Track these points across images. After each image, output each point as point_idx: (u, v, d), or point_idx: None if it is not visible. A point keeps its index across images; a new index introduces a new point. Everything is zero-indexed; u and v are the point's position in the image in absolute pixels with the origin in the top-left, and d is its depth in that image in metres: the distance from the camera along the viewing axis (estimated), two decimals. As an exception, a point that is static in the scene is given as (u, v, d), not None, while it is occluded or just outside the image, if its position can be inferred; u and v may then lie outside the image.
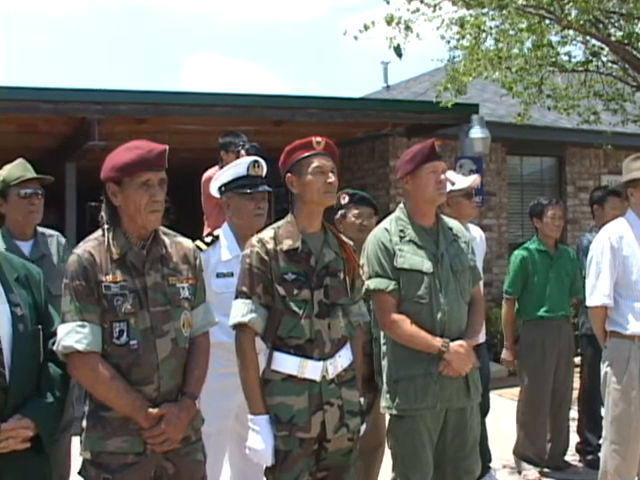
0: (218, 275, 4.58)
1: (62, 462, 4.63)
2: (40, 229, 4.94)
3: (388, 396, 4.35)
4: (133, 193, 3.38)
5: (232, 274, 4.49)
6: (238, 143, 7.25)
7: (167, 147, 3.45)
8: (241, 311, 3.75)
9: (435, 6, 9.31)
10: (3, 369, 3.13)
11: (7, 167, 4.84)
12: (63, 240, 5.00)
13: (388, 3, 9.54)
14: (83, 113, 9.68)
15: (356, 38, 9.54)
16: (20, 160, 4.89)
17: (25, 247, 4.74)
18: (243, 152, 7.18)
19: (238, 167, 4.75)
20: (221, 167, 7.00)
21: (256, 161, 4.75)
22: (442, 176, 4.36)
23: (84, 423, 3.44)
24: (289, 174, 3.86)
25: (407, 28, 9.31)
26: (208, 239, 4.71)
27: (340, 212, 5.33)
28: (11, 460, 3.10)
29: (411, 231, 4.33)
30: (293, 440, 3.70)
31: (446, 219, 4.53)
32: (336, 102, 11.08)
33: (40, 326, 3.32)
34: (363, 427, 3.97)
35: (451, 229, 4.46)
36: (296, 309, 3.73)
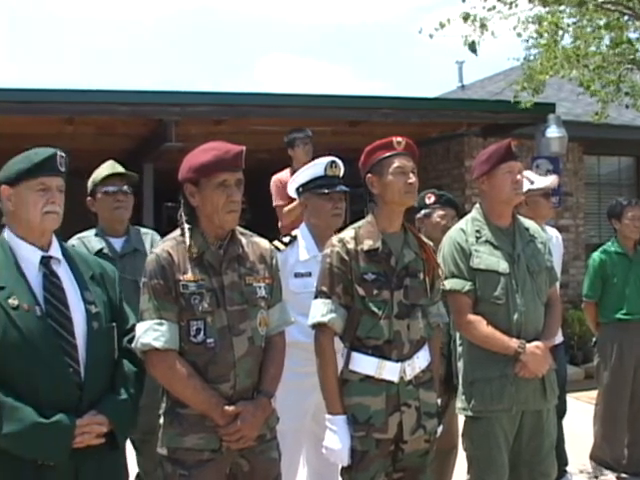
0: (296, 275, 4.60)
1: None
2: (135, 227, 5.07)
3: (464, 397, 4.32)
4: (210, 194, 3.41)
5: (310, 274, 4.51)
6: (305, 137, 7.34)
7: (244, 148, 3.47)
8: (320, 311, 3.77)
9: (511, 4, 9.23)
10: (78, 366, 3.19)
11: (99, 167, 4.98)
12: (157, 237, 5.08)
13: (464, 1, 9.50)
14: (160, 115, 9.79)
15: (431, 36, 9.51)
16: (110, 161, 5.03)
17: (117, 243, 4.85)
18: (299, 142, 7.28)
19: (316, 167, 4.76)
20: (292, 170, 7.07)
21: (333, 161, 4.76)
22: (518, 176, 4.32)
23: (161, 420, 3.49)
24: (369, 174, 3.87)
25: (482, 26, 9.26)
26: (286, 239, 4.73)
27: (424, 211, 5.35)
28: (87, 455, 3.16)
29: (487, 231, 4.31)
30: (370, 440, 3.70)
31: (522, 219, 4.49)
32: (411, 102, 11.04)
33: (114, 324, 3.37)
34: (440, 429, 3.96)
35: (527, 229, 4.42)
36: (375, 309, 3.73)
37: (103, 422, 3.18)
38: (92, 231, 4.90)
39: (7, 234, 3.30)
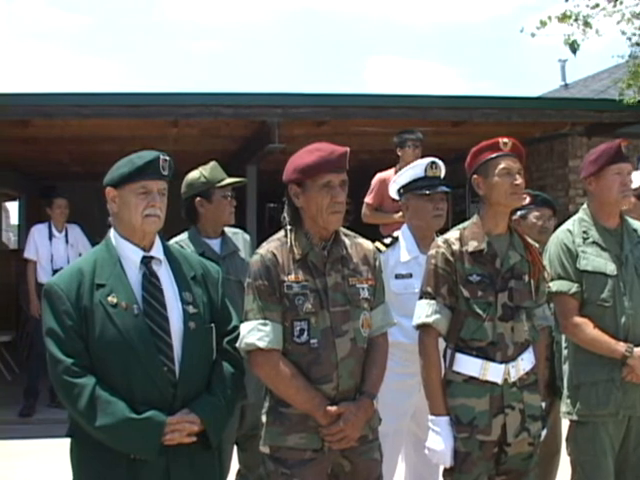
0: (397, 276, 4.59)
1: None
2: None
3: (569, 401, 4.26)
4: (315, 194, 3.43)
5: (411, 275, 4.51)
6: (416, 139, 7.31)
7: (348, 149, 3.48)
8: (425, 311, 3.76)
9: (616, 0, 9.08)
10: (173, 365, 3.24)
11: (206, 168, 4.90)
12: (247, 236, 5.11)
13: (567, 0, 9.38)
14: (263, 117, 9.87)
15: (533, 35, 9.45)
16: (214, 163, 4.98)
17: (215, 245, 4.83)
18: (410, 144, 7.25)
19: (416, 168, 4.75)
20: (397, 170, 7.07)
21: (434, 162, 4.74)
22: (628, 178, 4.24)
23: (264, 418, 3.52)
24: (475, 175, 3.84)
25: (586, 24, 9.13)
26: (387, 240, 4.73)
27: (520, 212, 5.29)
28: (179, 453, 3.21)
29: (594, 232, 4.24)
30: (473, 442, 3.67)
31: (630, 220, 4.40)
32: (514, 102, 10.91)
33: (213, 324, 3.42)
34: (544, 432, 3.90)
35: (636, 231, 4.33)
36: (479, 311, 3.71)
37: (194, 421, 3.23)
38: (184, 234, 4.84)
39: (112, 233, 3.39)
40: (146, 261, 3.34)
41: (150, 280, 3.31)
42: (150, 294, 3.28)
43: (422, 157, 4.92)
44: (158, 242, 3.42)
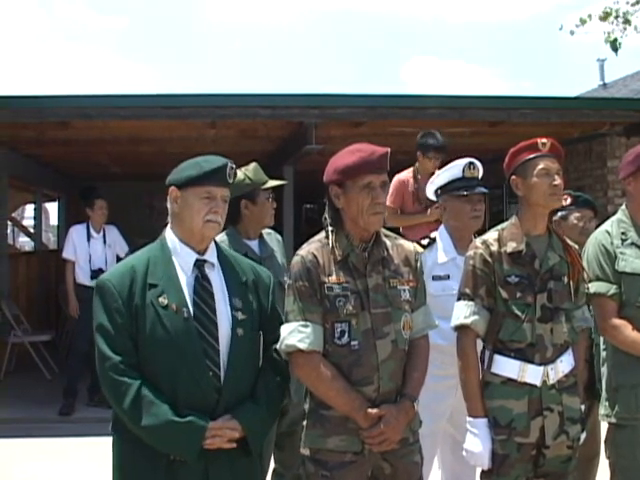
0: (434, 278, 4.57)
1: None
2: None
3: (607, 404, 4.24)
4: (355, 195, 3.43)
5: (448, 277, 4.50)
6: (439, 147, 7.12)
7: (389, 150, 3.48)
8: (463, 313, 3.77)
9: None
10: (219, 370, 3.26)
11: (249, 170, 4.89)
12: (279, 237, 5.13)
13: (606, -3, 9.33)
14: (300, 118, 9.87)
15: (572, 33, 9.40)
16: (256, 164, 4.98)
17: (254, 246, 4.83)
18: (432, 154, 7.08)
19: (453, 169, 4.74)
20: (415, 169, 7.04)
21: (471, 163, 4.73)
22: (667, 178, 4.21)
23: (304, 421, 3.53)
24: (514, 176, 3.84)
25: (626, 22, 9.07)
26: (425, 241, 4.72)
27: (560, 213, 5.27)
28: (219, 457, 3.22)
29: (633, 234, 4.21)
30: (511, 444, 3.67)
31: (670, 222, 4.37)
32: (551, 102, 10.83)
33: (261, 332, 3.42)
34: (583, 435, 3.88)
35: (676, 232, 4.30)
36: (518, 312, 3.70)
37: (235, 427, 3.23)
38: (223, 236, 4.77)
39: (168, 234, 3.40)
40: (199, 264, 3.35)
41: (202, 284, 3.33)
42: (201, 298, 3.29)
43: (459, 157, 4.89)
44: (213, 246, 3.44)
